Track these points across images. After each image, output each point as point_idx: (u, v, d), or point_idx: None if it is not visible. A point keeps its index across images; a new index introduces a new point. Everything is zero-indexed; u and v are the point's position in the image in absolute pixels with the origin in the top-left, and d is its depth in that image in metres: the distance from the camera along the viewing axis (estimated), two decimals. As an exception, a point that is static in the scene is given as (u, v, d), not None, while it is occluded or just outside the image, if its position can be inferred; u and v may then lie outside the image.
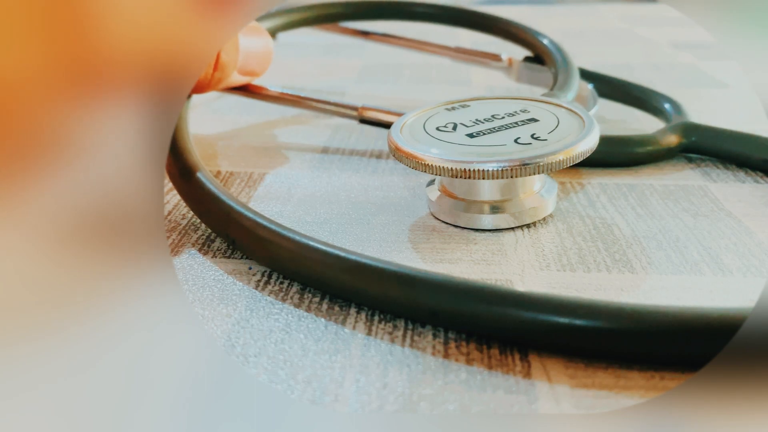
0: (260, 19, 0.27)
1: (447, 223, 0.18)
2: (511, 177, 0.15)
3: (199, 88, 0.21)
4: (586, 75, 0.27)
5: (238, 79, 0.22)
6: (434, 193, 0.18)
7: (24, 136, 0.11)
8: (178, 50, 0.12)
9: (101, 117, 0.11)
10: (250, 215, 0.16)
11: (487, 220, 0.17)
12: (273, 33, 0.28)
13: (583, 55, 0.38)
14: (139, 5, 0.11)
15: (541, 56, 0.27)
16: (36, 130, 0.11)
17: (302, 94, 0.23)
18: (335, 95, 0.31)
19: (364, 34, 0.32)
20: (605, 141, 0.21)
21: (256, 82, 0.24)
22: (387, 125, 0.22)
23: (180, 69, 0.13)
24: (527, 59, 0.28)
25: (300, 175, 0.21)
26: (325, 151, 0.23)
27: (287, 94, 0.23)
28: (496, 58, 0.29)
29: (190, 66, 0.13)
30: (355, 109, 0.22)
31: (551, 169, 0.16)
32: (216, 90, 0.22)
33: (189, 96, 0.23)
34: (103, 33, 0.11)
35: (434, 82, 0.33)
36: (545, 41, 0.27)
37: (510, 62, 0.29)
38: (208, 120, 0.27)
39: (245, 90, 0.24)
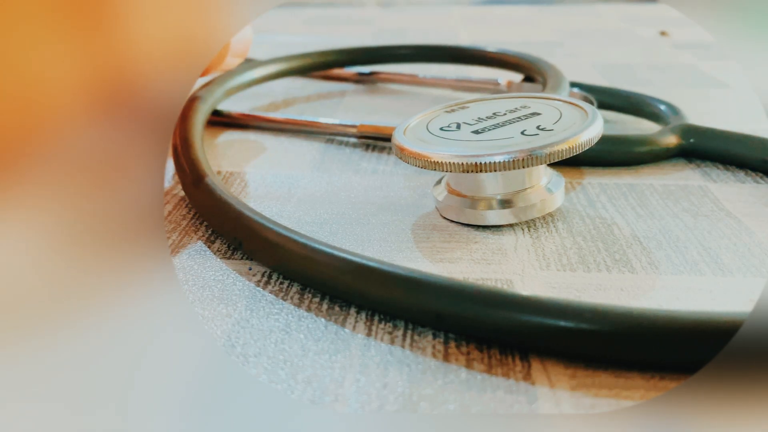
0: (261, 65, 0.29)
1: (456, 222, 0.17)
2: (523, 167, 0.15)
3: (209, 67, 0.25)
4: (578, 87, 0.27)
5: (230, 62, 0.25)
6: (441, 193, 0.18)
7: (55, 146, 0.12)
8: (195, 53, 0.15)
9: (118, 130, 0.13)
10: (261, 221, 0.16)
11: (496, 216, 0.17)
12: (270, 80, 0.30)
13: (583, 55, 0.38)
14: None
15: (527, 73, 0.28)
16: (64, 141, 0.12)
17: (303, 118, 0.25)
18: (335, 97, 0.31)
19: (365, 75, 0.33)
20: (605, 140, 0.21)
21: (256, 108, 0.26)
22: (386, 138, 0.23)
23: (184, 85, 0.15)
24: (525, 79, 0.29)
25: (300, 175, 0.21)
26: (325, 151, 0.23)
27: (290, 120, 0.25)
28: (494, 83, 0.30)
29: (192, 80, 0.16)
30: (354, 127, 0.23)
31: (562, 157, 0.16)
32: (217, 70, 0.25)
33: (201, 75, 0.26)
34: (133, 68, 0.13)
35: (432, 86, 0.33)
36: (522, 56, 0.28)
37: (509, 85, 0.29)
38: (208, 119, 0.27)
39: (247, 122, 0.26)
